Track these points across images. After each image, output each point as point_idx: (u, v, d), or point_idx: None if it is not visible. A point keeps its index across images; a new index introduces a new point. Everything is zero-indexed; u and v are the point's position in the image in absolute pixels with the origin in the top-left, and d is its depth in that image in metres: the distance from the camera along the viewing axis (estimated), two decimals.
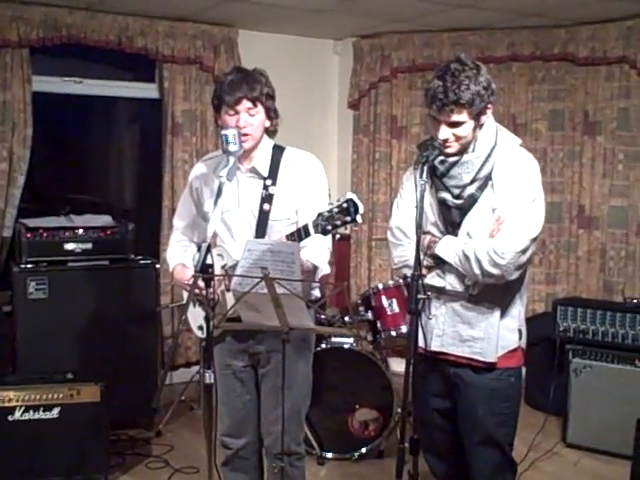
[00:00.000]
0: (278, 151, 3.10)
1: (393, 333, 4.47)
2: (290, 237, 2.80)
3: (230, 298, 2.93)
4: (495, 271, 2.72)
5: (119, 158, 6.45)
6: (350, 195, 2.60)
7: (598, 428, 4.60)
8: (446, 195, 2.85)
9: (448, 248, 2.81)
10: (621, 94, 5.45)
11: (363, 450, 4.51)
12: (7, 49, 5.01)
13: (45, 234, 4.66)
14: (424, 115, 6.07)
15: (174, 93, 5.70)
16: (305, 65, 6.28)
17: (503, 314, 2.86)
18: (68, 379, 4.12)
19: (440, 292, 2.88)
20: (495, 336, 2.84)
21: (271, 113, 3.05)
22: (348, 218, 2.59)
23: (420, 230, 2.61)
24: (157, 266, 4.99)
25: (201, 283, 2.71)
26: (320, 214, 2.64)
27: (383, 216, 6.28)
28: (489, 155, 2.79)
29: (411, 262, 2.72)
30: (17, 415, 3.97)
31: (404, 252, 2.91)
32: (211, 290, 2.71)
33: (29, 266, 4.60)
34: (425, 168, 2.64)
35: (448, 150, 2.76)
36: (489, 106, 2.75)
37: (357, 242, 6.44)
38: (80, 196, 5.92)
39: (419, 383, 2.74)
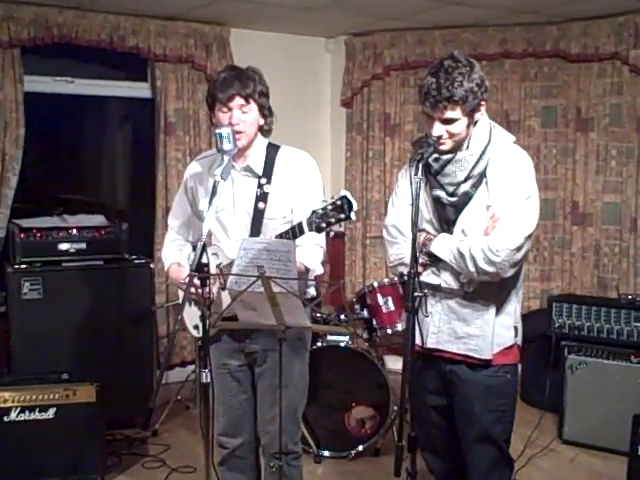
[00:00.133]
0: (273, 149, 3.09)
1: (389, 331, 4.49)
2: (284, 235, 2.79)
3: (225, 297, 2.92)
4: (490, 269, 2.72)
5: (112, 158, 6.43)
6: (344, 192, 2.60)
7: (594, 424, 4.62)
8: (440, 193, 2.85)
9: (443, 246, 2.81)
10: (613, 90, 5.46)
11: (360, 448, 4.51)
12: None
13: (39, 234, 4.65)
14: (417, 113, 6.09)
15: (166, 92, 5.68)
16: (297, 63, 6.27)
17: (499, 311, 2.86)
18: (63, 379, 4.11)
19: (435, 289, 2.88)
20: (490, 333, 2.84)
21: (265, 111, 3.05)
22: (342, 215, 2.59)
23: (416, 228, 2.60)
24: (151, 266, 4.99)
25: (197, 282, 2.71)
26: (314, 212, 2.64)
27: (377, 214, 6.28)
28: (483, 152, 2.79)
29: (407, 260, 2.73)
30: (13, 416, 3.96)
31: (400, 250, 2.91)
32: (207, 289, 2.70)
33: (23, 266, 4.59)
34: (420, 166, 2.64)
35: (442, 147, 2.75)
36: (482, 103, 2.75)
37: (352, 240, 6.44)
38: (73, 196, 5.91)
39: (415, 380, 2.74)
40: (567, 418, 4.73)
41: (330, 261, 5.73)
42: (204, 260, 2.67)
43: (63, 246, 4.70)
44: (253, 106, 2.99)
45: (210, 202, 2.76)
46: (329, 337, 4.50)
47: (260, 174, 3.05)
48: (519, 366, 3.07)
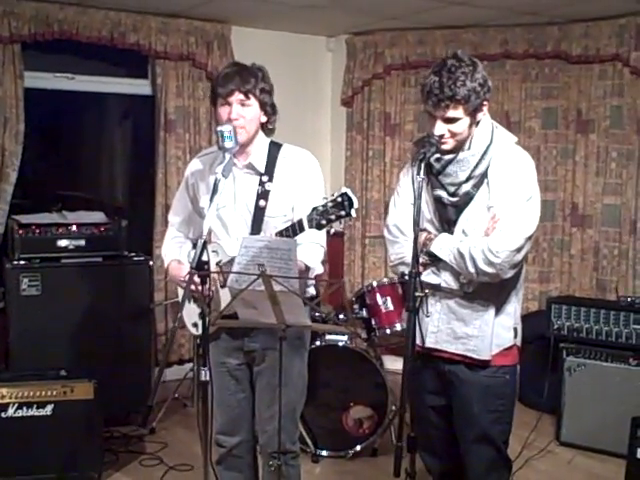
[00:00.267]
0: (275, 147, 3.09)
1: (387, 331, 4.48)
2: (284, 232, 2.79)
3: (225, 295, 2.92)
4: (490, 269, 2.72)
5: (112, 155, 6.42)
6: (344, 189, 2.60)
7: (592, 426, 4.61)
8: (442, 193, 2.85)
9: (443, 246, 2.81)
10: (614, 92, 5.45)
11: (357, 448, 4.51)
12: None
13: (38, 230, 4.65)
14: (417, 112, 6.10)
15: (167, 89, 5.67)
16: (298, 62, 6.26)
17: (498, 312, 2.86)
18: (61, 376, 4.11)
19: (435, 289, 2.87)
20: (490, 334, 2.84)
21: (267, 108, 3.03)
22: (343, 212, 2.58)
23: (417, 227, 2.60)
24: (150, 263, 4.99)
25: (197, 280, 2.70)
26: (315, 208, 2.63)
27: (377, 213, 6.28)
28: (485, 153, 2.78)
29: (407, 259, 2.73)
30: (10, 412, 3.96)
31: (400, 249, 2.91)
32: (207, 287, 2.70)
33: (22, 262, 4.59)
34: (422, 165, 2.64)
35: (443, 147, 2.75)
36: (485, 103, 2.75)
37: (351, 239, 6.44)
38: (72, 192, 5.90)
39: (414, 380, 2.73)
40: (565, 420, 4.73)
41: (329, 260, 5.74)
42: (204, 258, 2.67)
43: (62, 242, 4.70)
44: (253, 102, 2.98)
45: (211, 199, 2.76)
46: (328, 336, 4.50)
47: (262, 172, 3.04)
48: (518, 367, 3.06)
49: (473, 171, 2.78)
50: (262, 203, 3.01)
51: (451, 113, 2.69)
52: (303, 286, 3.04)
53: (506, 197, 2.74)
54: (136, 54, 5.59)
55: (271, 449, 3.10)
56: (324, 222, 2.62)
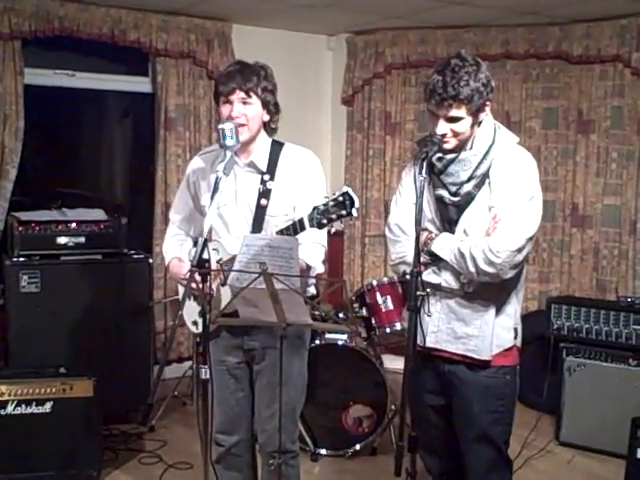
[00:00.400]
0: (277, 146, 3.08)
1: (387, 330, 4.48)
2: (285, 231, 2.78)
3: (225, 293, 2.91)
4: (490, 269, 2.71)
5: (111, 152, 6.40)
6: (346, 188, 2.60)
7: (591, 427, 4.61)
8: (443, 192, 2.84)
9: (444, 245, 2.80)
10: (615, 93, 5.46)
11: (357, 447, 4.51)
12: None
13: (38, 227, 4.64)
14: (418, 112, 6.10)
15: (167, 87, 5.67)
16: (299, 60, 6.26)
17: (498, 312, 2.85)
18: (61, 373, 4.10)
19: (436, 289, 2.86)
20: (490, 334, 2.83)
21: (270, 107, 3.03)
22: (344, 212, 2.58)
23: (419, 226, 2.59)
24: (150, 261, 4.99)
25: (197, 278, 2.70)
26: (316, 207, 2.63)
27: (377, 212, 6.28)
28: (487, 153, 2.78)
29: (408, 259, 2.72)
30: (9, 409, 3.95)
31: (402, 248, 2.90)
32: (207, 285, 2.69)
33: (21, 259, 4.58)
34: (424, 164, 2.63)
35: (445, 146, 2.74)
36: (487, 103, 2.75)
37: (350, 239, 6.44)
38: (72, 190, 5.89)
39: (414, 379, 2.73)
40: (564, 420, 4.73)
41: (328, 260, 5.74)
42: (205, 256, 2.66)
43: (62, 240, 4.69)
44: (255, 101, 2.98)
45: (212, 198, 2.75)
46: (327, 335, 4.50)
47: (264, 170, 3.04)
48: (518, 368, 3.05)
49: (475, 171, 2.78)
50: (263, 202, 3.00)
51: (454, 112, 2.68)
52: (304, 285, 3.04)
53: (508, 197, 2.74)
54: (137, 51, 5.59)
55: (270, 448, 3.09)
56: (325, 221, 2.61)
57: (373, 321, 4.52)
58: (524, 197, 2.75)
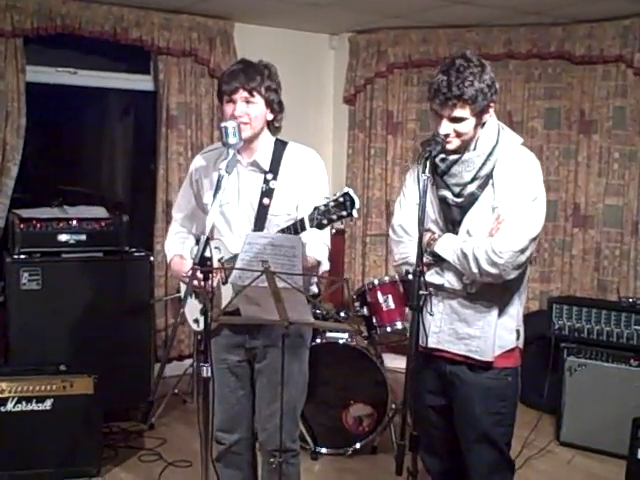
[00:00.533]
0: (280, 146, 3.08)
1: (388, 329, 4.47)
2: (286, 231, 2.78)
3: (226, 291, 2.91)
4: (493, 270, 2.71)
5: (113, 150, 6.41)
6: (347, 189, 2.59)
7: (592, 427, 4.61)
8: (447, 193, 2.84)
9: (447, 246, 2.80)
10: (617, 93, 5.45)
11: (357, 445, 4.51)
12: (1, 39, 4.97)
13: (39, 225, 4.64)
14: (420, 111, 6.10)
15: (169, 85, 5.66)
16: (301, 59, 6.25)
17: (501, 313, 2.85)
18: (61, 371, 4.11)
19: (438, 289, 2.86)
20: (492, 335, 2.82)
21: (274, 106, 3.02)
22: (344, 212, 2.58)
23: (422, 226, 2.59)
24: (151, 258, 4.98)
25: (199, 275, 2.70)
26: (316, 208, 2.62)
27: (378, 212, 6.28)
28: (490, 154, 2.78)
29: (411, 259, 2.72)
30: (10, 406, 3.96)
31: (405, 249, 2.90)
32: (209, 283, 2.69)
33: (22, 257, 4.58)
34: (428, 163, 2.62)
35: (448, 146, 2.74)
36: (491, 105, 2.75)
37: (352, 238, 6.43)
38: (73, 187, 5.89)
39: (415, 379, 2.72)
40: (565, 420, 4.73)
41: (330, 258, 5.75)
42: (207, 254, 2.66)
43: (63, 237, 4.69)
44: (258, 100, 2.97)
45: (214, 196, 2.75)
46: (328, 334, 4.50)
47: (267, 169, 3.03)
48: (520, 369, 3.04)
49: (478, 172, 2.77)
50: (266, 201, 3.00)
51: (457, 113, 2.68)
52: (307, 284, 3.04)
53: (511, 197, 2.73)
54: (138, 50, 5.59)
55: (271, 447, 3.09)
56: (325, 222, 2.61)
57: (374, 320, 4.51)
58: (528, 198, 2.74)
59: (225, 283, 2.86)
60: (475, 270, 2.72)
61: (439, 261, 2.83)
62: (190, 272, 2.70)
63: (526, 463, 4.38)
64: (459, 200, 2.82)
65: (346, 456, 4.52)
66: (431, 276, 2.83)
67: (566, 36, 5.59)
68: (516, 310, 2.90)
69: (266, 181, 3.01)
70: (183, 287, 3.24)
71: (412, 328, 2.56)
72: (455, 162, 2.79)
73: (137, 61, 5.84)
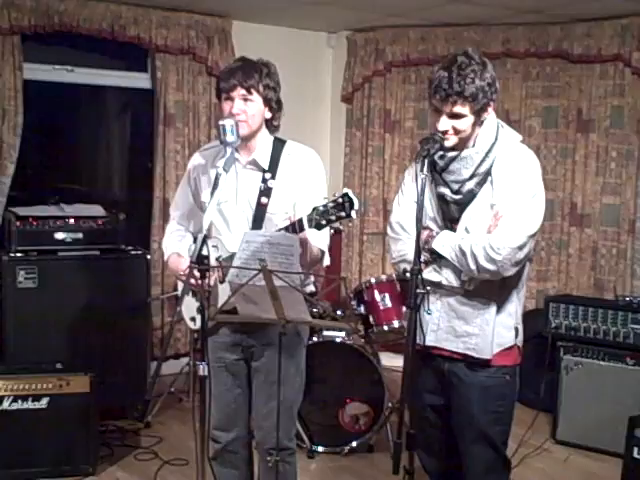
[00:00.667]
0: (279, 144, 3.07)
1: (385, 328, 4.47)
2: (284, 231, 2.78)
3: (223, 290, 2.90)
4: (490, 266, 2.70)
5: (110, 148, 6.39)
6: (346, 190, 2.59)
7: (588, 425, 4.62)
8: (445, 190, 2.84)
9: (445, 243, 2.80)
10: (615, 92, 5.45)
11: (353, 444, 4.51)
12: None
13: (35, 223, 4.63)
14: (418, 110, 6.09)
15: (167, 83, 5.66)
16: (299, 57, 6.24)
17: (499, 311, 2.84)
18: (57, 369, 4.11)
19: (436, 287, 2.86)
20: (490, 332, 2.82)
21: (272, 104, 3.01)
22: (343, 213, 2.57)
23: (420, 224, 2.59)
24: (148, 257, 4.97)
25: (197, 274, 2.69)
26: (315, 208, 2.62)
27: (375, 210, 6.28)
28: (489, 151, 2.77)
29: (409, 257, 2.71)
30: (5, 405, 3.96)
31: (403, 247, 2.89)
32: (206, 281, 2.68)
33: (19, 255, 4.57)
34: (426, 162, 2.62)
35: (445, 143, 2.74)
36: (491, 103, 2.75)
37: (349, 236, 6.43)
38: (70, 185, 5.89)
39: (413, 379, 2.72)
40: (561, 418, 4.74)
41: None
42: (204, 252, 2.65)
43: (59, 235, 4.68)
44: (256, 98, 2.97)
45: (212, 194, 2.74)
46: (325, 332, 4.50)
47: (266, 168, 3.02)
48: (518, 368, 3.02)
49: (477, 169, 2.77)
50: (264, 200, 2.99)
51: (457, 109, 2.68)
52: (304, 282, 3.04)
53: (509, 194, 2.73)
54: (136, 47, 5.59)
55: (268, 445, 3.09)
56: (324, 222, 2.61)
57: (371, 319, 4.51)
58: (526, 194, 2.74)
59: (223, 282, 2.85)
60: (473, 267, 2.72)
61: (437, 258, 2.83)
62: (187, 270, 2.70)
63: (522, 461, 4.38)
64: (457, 197, 2.82)
65: (342, 455, 4.52)
66: (429, 273, 2.83)
67: (564, 35, 5.58)
68: (514, 308, 2.89)
69: (264, 180, 3.01)
70: (180, 285, 3.24)
71: (409, 327, 2.55)
72: (454, 159, 2.79)
73: (135, 59, 5.83)
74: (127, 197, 6.27)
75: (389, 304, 4.48)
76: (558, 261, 5.79)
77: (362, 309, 4.53)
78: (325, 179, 3.09)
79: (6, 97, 5.02)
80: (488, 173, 2.77)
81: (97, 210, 4.93)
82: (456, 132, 2.72)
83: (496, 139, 2.79)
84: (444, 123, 2.71)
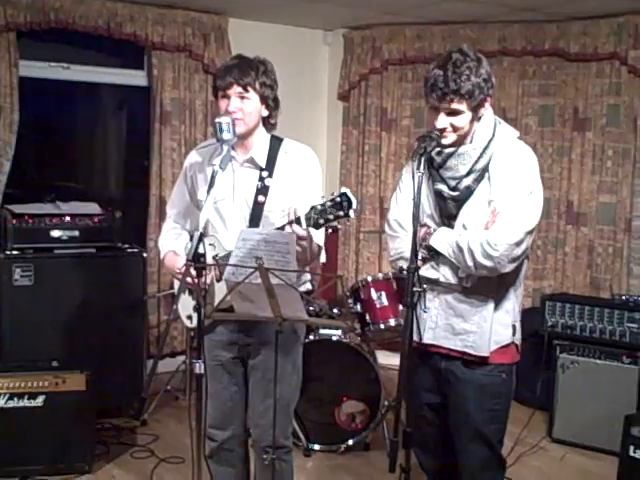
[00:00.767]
0: (276, 142, 3.06)
1: (382, 326, 4.47)
2: (281, 230, 2.77)
3: (219, 288, 2.90)
4: (488, 263, 2.70)
5: (106, 145, 6.39)
6: (344, 189, 2.59)
7: (584, 424, 4.63)
8: (442, 187, 2.84)
9: (442, 239, 2.80)
10: (611, 90, 5.45)
11: (350, 442, 4.51)
12: None
13: (31, 221, 4.62)
14: (414, 108, 6.09)
15: (163, 81, 5.65)
16: (295, 55, 6.24)
17: (497, 308, 2.84)
18: (53, 367, 4.11)
19: (434, 284, 2.86)
20: (488, 330, 2.82)
21: (269, 102, 3.01)
22: (341, 213, 2.58)
23: (417, 221, 2.58)
24: (144, 255, 4.96)
25: (193, 272, 2.69)
26: (313, 207, 2.62)
27: (372, 209, 6.27)
28: (486, 147, 2.78)
29: (407, 254, 2.71)
30: (1, 403, 3.96)
31: (400, 244, 2.90)
32: (203, 279, 2.68)
33: (15, 252, 4.55)
34: (422, 159, 2.62)
35: (444, 141, 2.74)
36: (488, 99, 2.75)
37: (345, 234, 6.42)
38: (66, 183, 5.87)
39: (409, 377, 2.72)
40: (557, 417, 4.74)
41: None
42: (201, 250, 2.65)
43: (55, 233, 4.67)
44: (253, 95, 2.96)
45: (208, 192, 2.74)
46: (321, 331, 4.50)
47: (263, 166, 3.02)
48: (515, 366, 3.00)
49: (474, 165, 2.77)
50: (261, 198, 2.99)
51: (455, 106, 2.68)
52: (302, 276, 3.04)
53: (507, 190, 2.73)
54: (132, 45, 5.57)
55: (264, 443, 3.09)
56: (322, 221, 2.61)
57: (367, 317, 4.51)
58: (524, 191, 2.74)
59: (219, 280, 2.85)
60: (470, 263, 2.72)
61: (435, 255, 2.83)
62: (184, 268, 2.70)
63: (518, 460, 4.38)
64: (455, 194, 2.82)
65: (339, 453, 4.52)
66: (427, 270, 2.83)
67: (560, 33, 5.58)
68: (512, 305, 2.89)
69: (261, 178, 3.00)
70: (177, 283, 3.22)
71: (406, 325, 2.55)
72: (451, 155, 2.79)
73: (131, 56, 5.82)
74: (123, 195, 6.25)
75: (385, 302, 4.48)
76: (554, 260, 5.79)
77: (358, 307, 4.53)
78: (321, 177, 3.08)
79: (2, 94, 5.00)
80: (485, 169, 2.77)
81: (93, 208, 4.92)
82: (454, 129, 2.72)
83: (493, 135, 2.79)
84: (442, 121, 2.71)
